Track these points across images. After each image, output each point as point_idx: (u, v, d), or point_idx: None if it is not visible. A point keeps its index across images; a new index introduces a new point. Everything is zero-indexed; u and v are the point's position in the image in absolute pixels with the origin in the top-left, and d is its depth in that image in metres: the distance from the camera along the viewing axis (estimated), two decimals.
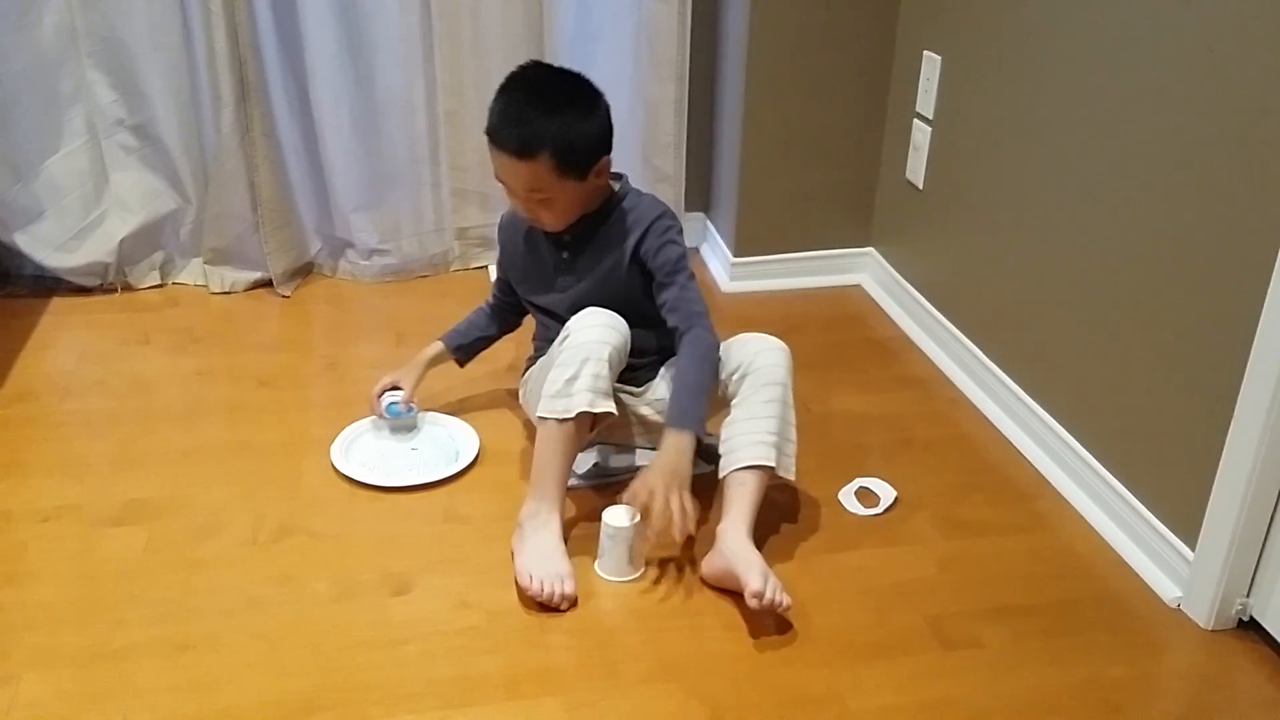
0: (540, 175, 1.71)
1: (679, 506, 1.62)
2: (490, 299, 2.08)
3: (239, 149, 2.49)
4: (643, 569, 1.71)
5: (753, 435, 1.72)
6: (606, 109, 1.76)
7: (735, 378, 1.78)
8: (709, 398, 1.76)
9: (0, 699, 1.45)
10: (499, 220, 1.99)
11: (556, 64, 2.53)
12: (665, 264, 1.81)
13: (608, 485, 1.89)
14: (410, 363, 2.05)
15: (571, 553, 1.69)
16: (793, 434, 1.77)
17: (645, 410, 1.90)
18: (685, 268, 1.83)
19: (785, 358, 1.78)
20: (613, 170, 1.81)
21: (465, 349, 2.08)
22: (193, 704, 1.45)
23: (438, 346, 2.07)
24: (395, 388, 2.01)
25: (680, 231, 1.86)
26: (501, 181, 1.77)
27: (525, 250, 1.92)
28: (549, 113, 1.70)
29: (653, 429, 1.89)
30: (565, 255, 1.86)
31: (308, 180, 2.63)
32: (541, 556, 1.65)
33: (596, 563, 1.71)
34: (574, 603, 1.63)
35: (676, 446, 1.67)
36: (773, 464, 1.71)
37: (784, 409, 1.75)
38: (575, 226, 1.82)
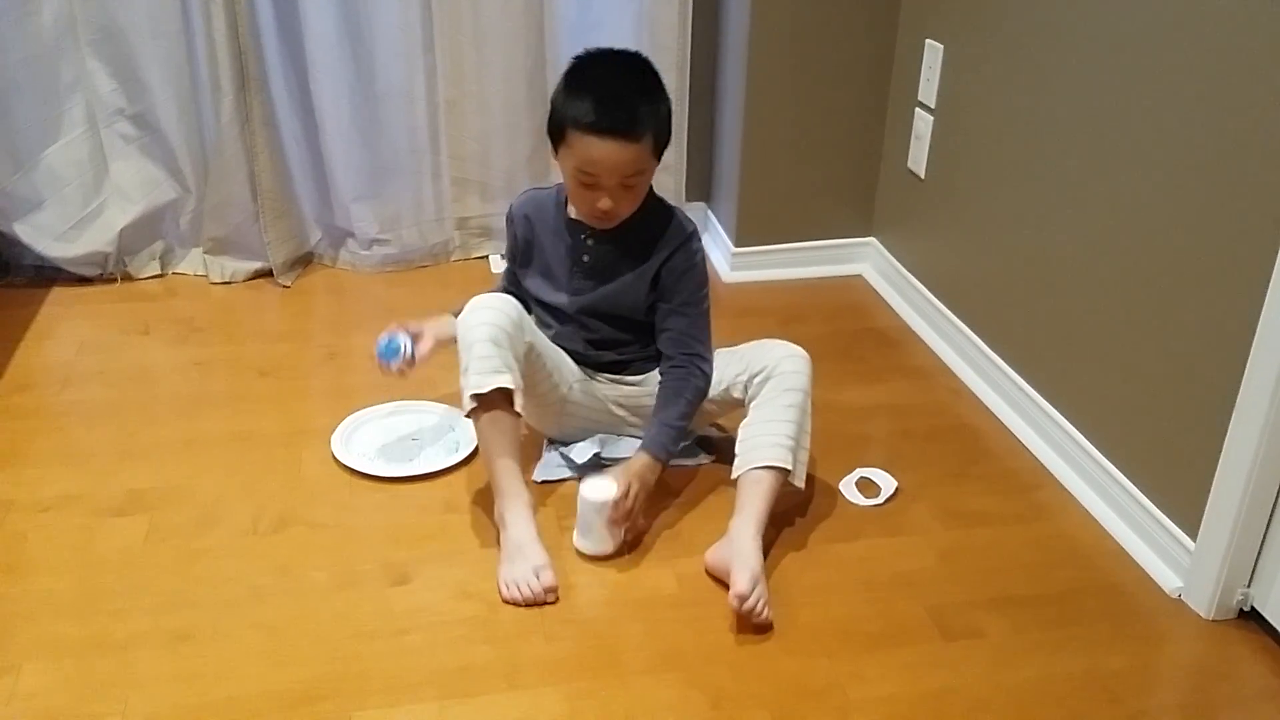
0: (642, 157, 1.71)
1: (634, 505, 1.70)
2: (500, 287, 1.97)
3: (239, 138, 2.49)
4: (621, 541, 1.72)
5: (772, 437, 1.72)
6: None
7: (757, 380, 1.78)
8: (683, 437, 1.86)
9: (1, 689, 1.45)
10: (508, 212, 1.92)
11: (557, 52, 2.56)
12: (683, 291, 1.82)
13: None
14: (425, 324, 1.91)
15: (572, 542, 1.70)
16: (808, 443, 1.76)
17: (649, 401, 1.89)
18: (704, 299, 1.85)
19: (808, 366, 1.78)
20: None
21: None
22: (193, 694, 1.45)
23: (450, 320, 1.93)
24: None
25: (704, 255, 1.87)
26: (585, 175, 1.70)
27: (543, 246, 1.87)
28: (643, 93, 1.71)
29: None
30: (587, 259, 1.83)
31: (308, 170, 2.62)
32: (512, 558, 1.64)
33: (576, 538, 1.72)
34: (557, 592, 1.62)
35: (649, 465, 1.75)
36: (790, 467, 1.71)
37: (803, 416, 1.75)
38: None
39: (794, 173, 2.61)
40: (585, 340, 1.86)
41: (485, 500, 1.83)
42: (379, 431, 2.02)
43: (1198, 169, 1.60)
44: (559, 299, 1.87)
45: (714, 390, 1.84)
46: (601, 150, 1.67)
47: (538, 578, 1.61)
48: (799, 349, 1.80)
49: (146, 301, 2.53)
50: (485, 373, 1.67)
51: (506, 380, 1.67)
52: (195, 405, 2.13)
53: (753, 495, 1.69)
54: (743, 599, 1.54)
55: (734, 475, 1.73)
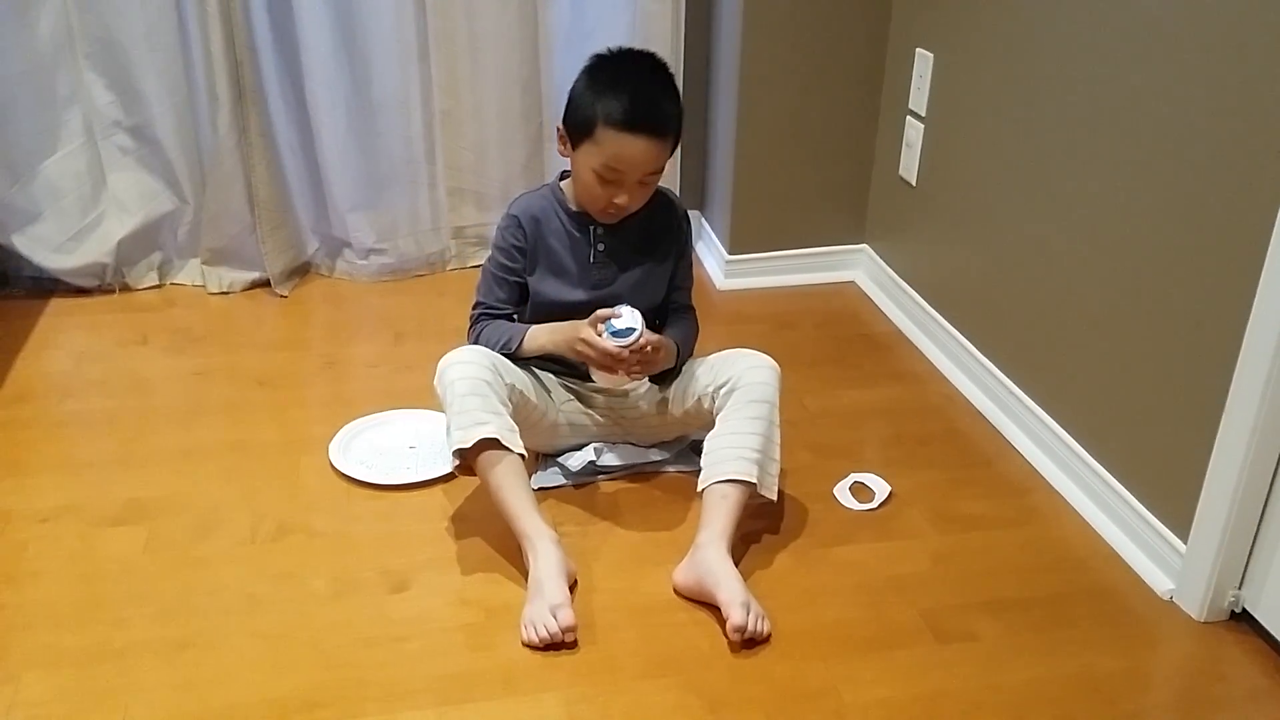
0: (665, 155, 1.75)
1: (640, 358, 1.75)
2: (497, 310, 1.88)
3: (236, 149, 2.50)
4: (624, 380, 1.81)
5: (736, 450, 1.70)
6: None
7: (723, 391, 1.77)
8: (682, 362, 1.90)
9: (0, 698, 1.46)
10: (512, 219, 1.84)
11: (551, 62, 2.58)
12: (684, 269, 1.92)
13: (603, 481, 1.91)
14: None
15: (572, 550, 1.70)
16: (776, 454, 1.74)
17: (635, 411, 1.91)
18: (692, 270, 1.95)
19: (775, 377, 1.77)
20: None
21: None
22: (192, 702, 1.46)
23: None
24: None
25: None
26: (611, 171, 1.71)
27: (550, 247, 1.84)
28: (669, 92, 1.75)
29: (647, 428, 1.92)
30: (602, 248, 1.83)
31: (305, 180, 2.64)
32: (533, 597, 1.60)
33: (593, 374, 1.79)
34: (575, 632, 1.55)
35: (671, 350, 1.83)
36: (754, 480, 1.69)
37: (769, 428, 1.73)
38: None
39: (787, 180, 2.62)
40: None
41: (483, 508, 1.84)
42: (377, 440, 2.03)
43: (1187, 175, 1.62)
44: (576, 295, 1.82)
45: (686, 402, 1.85)
46: (634, 148, 1.70)
47: (555, 617, 1.54)
48: (767, 359, 1.78)
49: (144, 312, 2.54)
50: (466, 426, 1.66)
51: (488, 430, 1.65)
52: (193, 415, 2.14)
53: (719, 511, 1.67)
54: (741, 630, 1.54)
55: (699, 489, 1.71)
